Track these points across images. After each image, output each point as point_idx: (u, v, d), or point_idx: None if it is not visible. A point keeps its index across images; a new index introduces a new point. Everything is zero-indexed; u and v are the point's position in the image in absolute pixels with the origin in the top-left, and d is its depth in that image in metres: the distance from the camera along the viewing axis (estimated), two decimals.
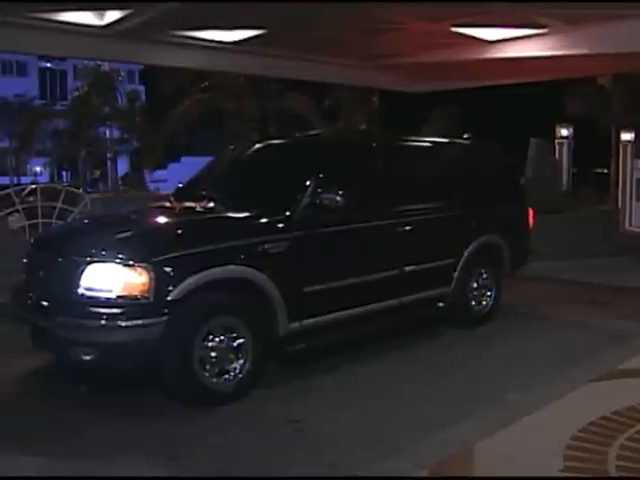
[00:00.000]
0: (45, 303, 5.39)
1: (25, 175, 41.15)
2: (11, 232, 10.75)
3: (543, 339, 6.88)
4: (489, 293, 7.69)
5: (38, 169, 44.62)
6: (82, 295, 5.02)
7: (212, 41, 11.71)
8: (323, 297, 5.87)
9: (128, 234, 5.54)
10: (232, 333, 5.23)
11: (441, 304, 7.15)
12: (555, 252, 10.83)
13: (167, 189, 21.06)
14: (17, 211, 10.72)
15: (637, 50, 10.47)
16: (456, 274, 7.24)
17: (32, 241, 6.69)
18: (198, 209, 6.16)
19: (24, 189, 12.32)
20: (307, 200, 5.80)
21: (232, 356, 5.23)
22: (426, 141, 8.04)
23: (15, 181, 37.18)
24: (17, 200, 10.87)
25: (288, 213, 5.72)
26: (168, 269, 4.95)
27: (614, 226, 14.95)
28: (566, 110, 26.86)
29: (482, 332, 7.30)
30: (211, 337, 5.12)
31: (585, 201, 18.93)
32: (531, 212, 8.28)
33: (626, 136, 20.50)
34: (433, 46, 12.17)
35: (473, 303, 7.55)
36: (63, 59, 43.73)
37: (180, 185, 7.57)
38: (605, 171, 31.76)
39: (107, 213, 8.13)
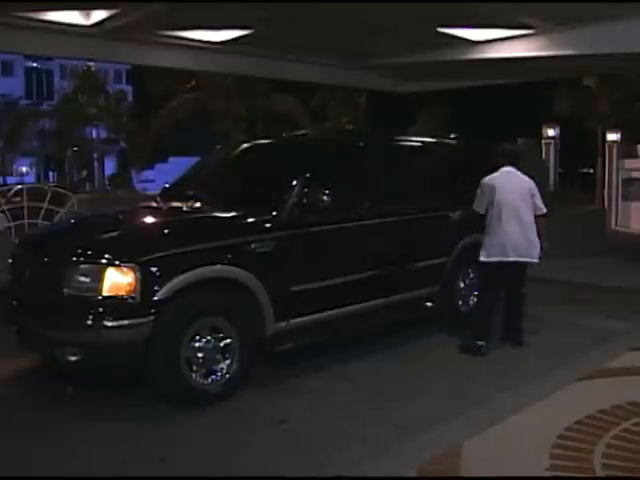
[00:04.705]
0: (31, 303, 5.37)
1: (11, 175, 40.86)
2: None
3: (531, 338, 6.88)
4: (476, 292, 7.69)
5: (24, 169, 44.32)
6: (68, 295, 4.99)
7: (200, 41, 11.69)
8: (310, 296, 5.86)
9: (114, 234, 5.51)
10: (219, 333, 5.22)
11: (428, 303, 7.16)
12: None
13: (154, 189, 20.98)
14: (2, 211, 10.63)
15: (627, 51, 10.55)
16: None
17: (17, 241, 6.64)
18: (185, 209, 6.15)
19: (10, 189, 12.23)
20: (294, 199, 5.79)
21: (219, 356, 5.22)
22: (414, 140, 8.04)
23: (1, 181, 36.96)
24: (3, 200, 10.78)
25: (275, 213, 5.71)
26: (154, 269, 4.93)
27: (602, 226, 15.05)
28: (553, 110, 27.01)
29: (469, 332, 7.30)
30: (198, 337, 5.11)
31: (572, 201, 19.00)
32: None
33: (612, 136, 20.61)
34: (421, 47, 12.19)
35: (460, 302, 7.57)
36: (49, 59, 43.52)
37: (167, 185, 7.54)
38: (591, 171, 31.97)
39: (93, 213, 8.07)
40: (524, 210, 6.50)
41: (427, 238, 7.10)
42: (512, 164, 6.67)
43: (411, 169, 7.38)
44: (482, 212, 6.59)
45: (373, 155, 6.90)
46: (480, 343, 6.51)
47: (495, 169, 6.66)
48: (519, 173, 6.65)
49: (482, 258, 6.56)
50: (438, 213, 7.17)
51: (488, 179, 6.59)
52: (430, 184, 7.40)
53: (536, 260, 6.58)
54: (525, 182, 6.63)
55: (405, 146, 7.72)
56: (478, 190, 6.62)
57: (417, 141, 8.02)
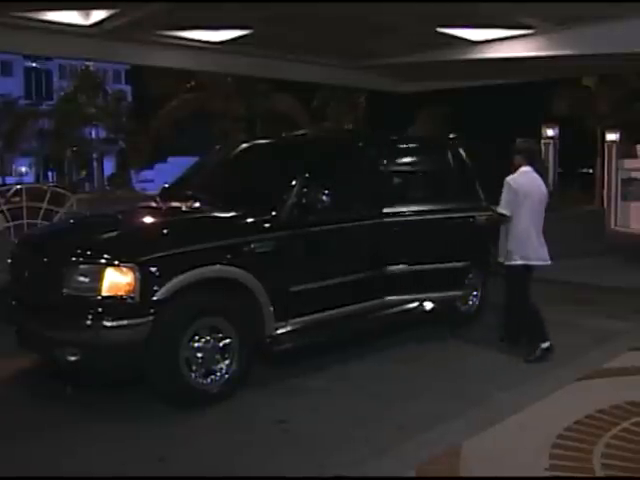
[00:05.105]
0: (30, 304, 5.36)
1: (10, 175, 40.85)
2: None
3: None
4: (475, 293, 7.69)
5: (23, 169, 44.33)
6: (67, 295, 4.99)
7: (199, 41, 11.68)
8: (310, 296, 5.86)
9: (114, 234, 5.51)
10: (218, 333, 5.21)
11: (428, 304, 7.13)
12: None
13: (154, 189, 20.99)
14: (2, 211, 10.62)
15: (627, 51, 10.55)
16: None
17: (17, 241, 6.64)
18: (184, 209, 6.15)
19: (9, 189, 12.22)
20: (293, 200, 5.79)
21: (218, 356, 5.22)
22: (413, 140, 8.03)
23: (0, 181, 36.95)
24: (2, 200, 10.78)
25: (274, 213, 5.71)
26: (154, 269, 4.92)
27: (602, 226, 15.05)
28: (552, 110, 27.05)
29: (469, 332, 7.31)
30: (197, 337, 5.11)
31: (572, 201, 19.01)
32: None
33: (611, 136, 20.60)
34: (421, 47, 12.20)
35: (459, 303, 7.55)
36: (48, 59, 43.53)
37: (166, 185, 7.54)
38: (590, 171, 32.00)
39: (93, 213, 8.07)
40: (539, 214, 6.36)
41: (426, 239, 7.07)
42: (531, 163, 6.42)
43: (410, 169, 7.36)
44: (509, 214, 6.30)
45: (373, 155, 6.88)
46: (546, 345, 6.30)
47: (515, 169, 6.42)
48: (535, 175, 6.40)
49: (505, 262, 6.43)
50: (438, 214, 7.12)
51: (512, 179, 6.32)
52: (429, 184, 7.37)
53: (549, 262, 6.47)
54: (542, 185, 6.41)
55: (404, 146, 7.69)
56: (504, 191, 6.32)
57: (416, 141, 8.01)
